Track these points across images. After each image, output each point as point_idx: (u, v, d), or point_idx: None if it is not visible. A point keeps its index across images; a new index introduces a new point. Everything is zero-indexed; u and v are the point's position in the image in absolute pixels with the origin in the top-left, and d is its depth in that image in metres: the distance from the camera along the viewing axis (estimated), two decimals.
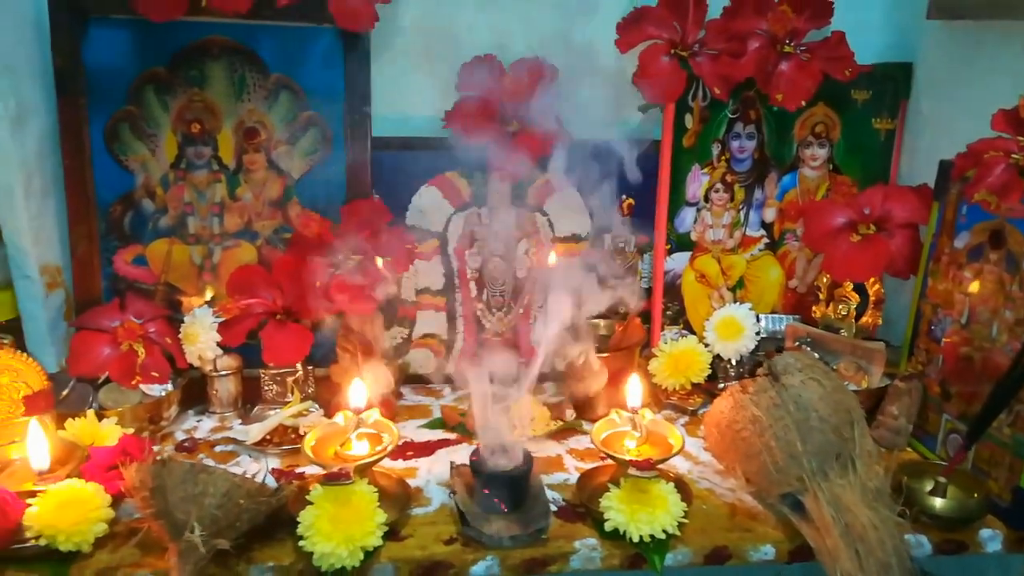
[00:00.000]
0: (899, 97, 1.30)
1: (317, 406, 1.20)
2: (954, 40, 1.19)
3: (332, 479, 0.89)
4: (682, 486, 1.02)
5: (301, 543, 0.88)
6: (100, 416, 1.06)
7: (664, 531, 0.93)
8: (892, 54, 1.30)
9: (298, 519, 0.90)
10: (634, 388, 1.05)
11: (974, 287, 1.06)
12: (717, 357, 1.30)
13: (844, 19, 1.25)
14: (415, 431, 1.20)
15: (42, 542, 0.87)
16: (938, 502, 0.98)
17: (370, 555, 0.89)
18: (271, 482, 0.96)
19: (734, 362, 1.30)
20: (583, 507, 0.99)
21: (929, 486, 0.99)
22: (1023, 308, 0.98)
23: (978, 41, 1.14)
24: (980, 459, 1.04)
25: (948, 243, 1.12)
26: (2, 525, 0.87)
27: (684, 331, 1.36)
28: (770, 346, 1.32)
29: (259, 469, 0.98)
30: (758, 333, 1.30)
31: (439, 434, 1.20)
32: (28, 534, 0.88)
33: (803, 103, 1.25)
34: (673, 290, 1.36)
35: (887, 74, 1.29)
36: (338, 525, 0.88)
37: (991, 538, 0.98)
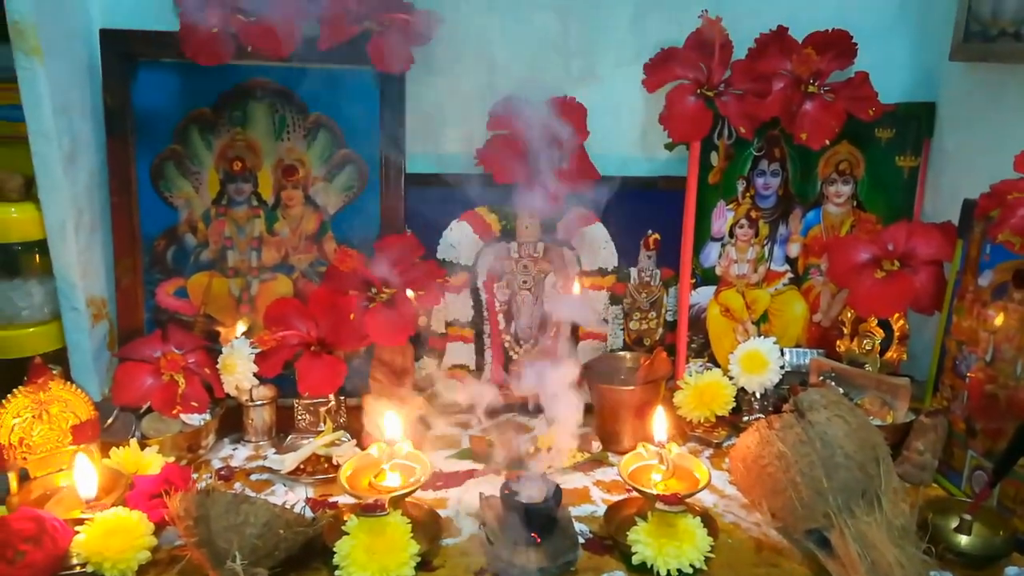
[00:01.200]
0: (922, 135, 1.32)
1: (349, 436, 1.23)
2: (977, 81, 1.22)
3: (368, 511, 0.91)
4: (708, 520, 1.04)
5: (337, 572, 0.91)
6: (143, 445, 1.09)
7: (691, 565, 0.94)
8: (915, 93, 1.32)
9: (333, 548, 0.93)
10: (660, 422, 1.07)
11: (998, 323, 1.07)
12: (742, 390, 1.32)
13: (867, 59, 1.28)
14: (444, 461, 1.23)
15: (89, 568, 0.91)
16: (963, 539, 0.99)
17: None
18: (308, 512, 0.99)
19: (758, 395, 1.31)
20: (611, 539, 1.01)
21: (954, 523, 1.00)
22: None
23: (1001, 83, 1.16)
24: (1006, 496, 1.05)
25: (972, 281, 1.13)
26: (51, 552, 0.91)
27: (709, 364, 1.38)
28: (794, 380, 1.34)
29: (297, 500, 1.01)
30: (782, 367, 1.31)
31: (468, 464, 1.22)
32: (75, 560, 0.92)
33: (827, 142, 1.27)
34: (698, 323, 1.38)
35: (910, 113, 1.31)
36: (373, 556, 0.90)
37: (1017, 575, 0.98)
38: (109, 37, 1.18)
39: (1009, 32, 1.08)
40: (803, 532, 0.98)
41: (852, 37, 1.27)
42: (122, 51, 1.19)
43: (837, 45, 1.27)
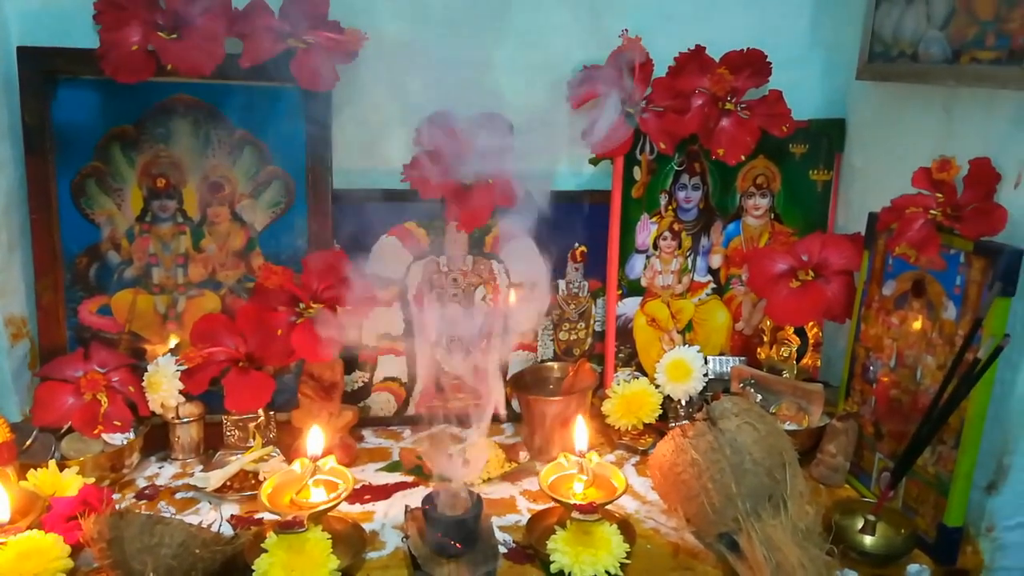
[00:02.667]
0: (834, 151, 1.38)
1: (278, 451, 1.23)
2: (881, 100, 1.27)
3: (286, 527, 0.92)
4: (627, 527, 1.07)
5: None
6: (62, 466, 1.08)
7: (607, 571, 0.97)
8: (827, 110, 1.38)
9: (253, 567, 0.93)
10: (581, 432, 1.10)
11: (915, 327, 1.11)
12: (667, 398, 1.35)
13: (782, 78, 1.32)
14: (373, 474, 1.24)
15: None
16: (867, 539, 1.03)
17: None
18: (228, 530, 0.99)
19: (684, 403, 1.35)
20: (532, 549, 1.03)
21: (859, 524, 1.05)
22: (943, 354, 1.05)
23: (902, 102, 1.21)
24: (909, 497, 1.10)
25: (877, 290, 1.18)
26: None
27: (636, 373, 1.42)
28: (718, 387, 1.38)
29: (216, 518, 1.01)
30: (706, 374, 1.35)
31: (397, 477, 1.23)
32: None
33: (743, 158, 1.32)
34: (626, 333, 1.41)
35: (822, 130, 1.37)
36: (292, 573, 0.91)
37: (918, 573, 1.03)
38: (27, 55, 1.17)
39: (907, 53, 1.14)
40: (715, 536, 1.01)
41: (767, 57, 1.31)
42: (41, 68, 1.17)
43: (752, 64, 1.32)
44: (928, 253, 1.04)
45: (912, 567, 1.03)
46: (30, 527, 0.96)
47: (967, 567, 1.05)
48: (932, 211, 1.06)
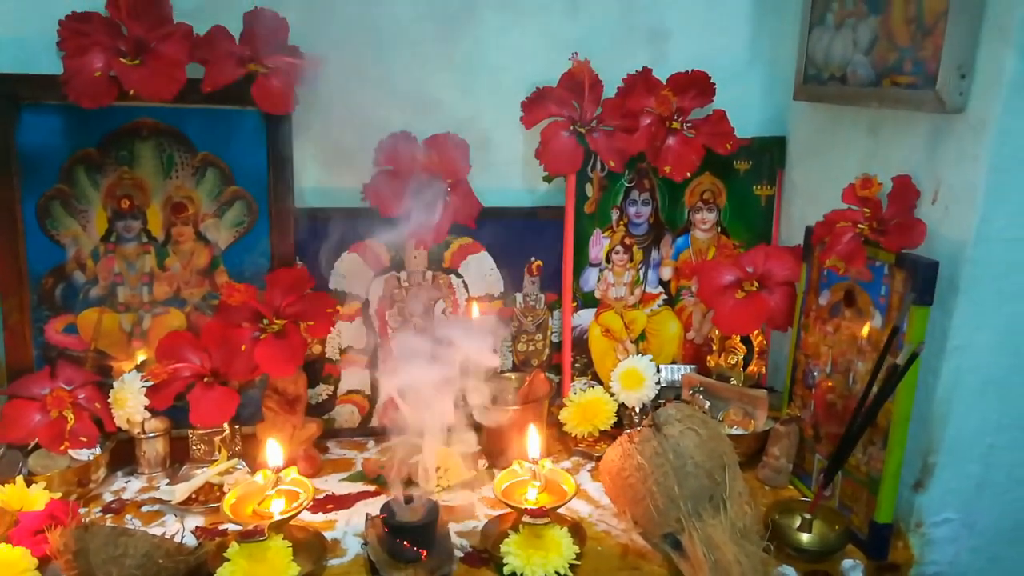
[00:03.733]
0: (776, 167, 1.44)
1: (244, 463, 1.27)
2: (816, 120, 1.34)
3: (247, 537, 0.96)
4: (578, 530, 1.12)
5: None
6: (29, 481, 1.11)
7: (557, 572, 1.02)
8: (768, 129, 1.44)
9: None
10: (533, 440, 1.15)
11: (865, 334, 1.17)
12: (622, 405, 1.41)
13: (725, 98, 1.39)
14: (337, 484, 1.28)
15: None
16: (804, 537, 1.09)
17: None
18: (191, 540, 1.02)
19: (638, 410, 1.41)
20: (487, 552, 1.08)
21: (797, 522, 1.11)
22: (872, 359, 1.11)
23: (835, 122, 1.28)
24: (845, 495, 1.16)
25: (814, 300, 1.25)
26: None
27: (592, 382, 1.47)
28: (670, 394, 1.43)
29: (178, 529, 1.04)
30: (658, 382, 1.41)
31: (360, 486, 1.27)
32: None
33: (688, 175, 1.38)
34: (581, 343, 1.47)
35: (764, 147, 1.43)
36: None
37: (852, 568, 1.09)
38: None
39: (837, 76, 1.21)
40: (660, 536, 1.07)
41: (711, 78, 1.38)
42: (5, 94, 1.20)
43: (697, 85, 1.38)
44: (855, 265, 1.11)
45: (846, 562, 1.09)
46: None
47: (898, 561, 1.11)
48: (860, 225, 1.12)
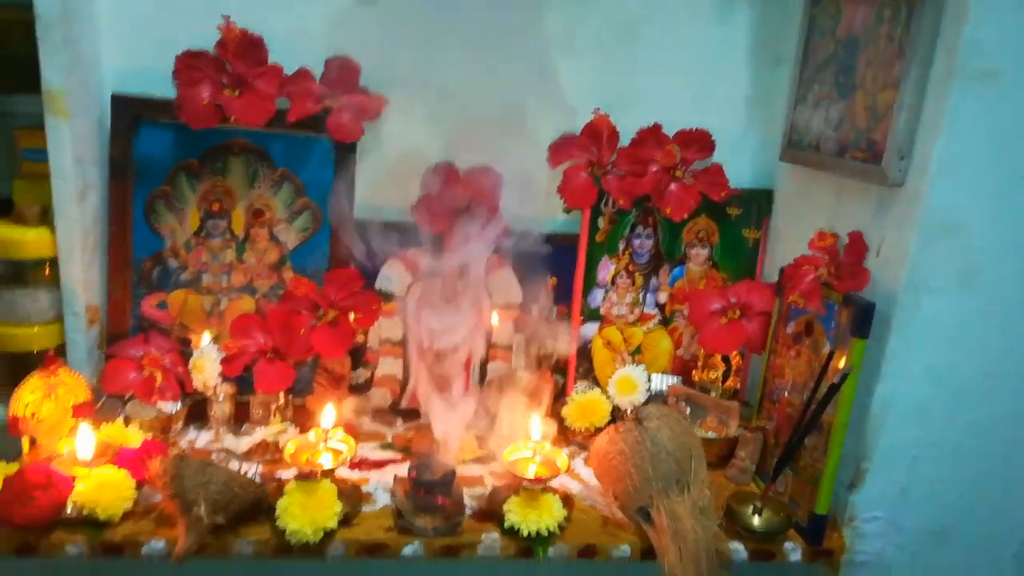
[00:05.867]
0: (763, 215, 1.68)
1: (294, 427, 1.52)
2: (797, 178, 1.58)
3: (303, 476, 1.21)
4: (568, 500, 1.35)
5: (277, 523, 1.19)
6: (127, 423, 1.37)
7: (548, 529, 1.25)
8: (758, 181, 1.68)
9: (275, 506, 1.21)
10: (536, 426, 1.39)
11: (795, 364, 1.41)
12: (616, 407, 1.64)
13: (723, 154, 1.62)
14: (371, 451, 1.52)
15: (84, 512, 1.18)
16: (755, 520, 1.31)
17: (328, 535, 1.20)
18: (258, 479, 1.27)
19: (629, 411, 1.63)
20: (491, 511, 1.32)
21: (750, 509, 1.33)
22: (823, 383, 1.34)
23: (810, 182, 1.52)
24: (795, 491, 1.38)
25: (783, 329, 1.48)
26: (56, 498, 1.17)
27: (592, 385, 1.70)
28: (658, 400, 1.66)
29: (249, 468, 1.29)
30: (648, 390, 1.64)
31: (389, 454, 1.51)
32: (74, 506, 1.19)
33: (686, 216, 1.62)
34: (585, 352, 1.71)
35: (754, 197, 1.67)
36: (305, 511, 1.19)
37: (793, 550, 1.31)
38: (118, 101, 1.47)
39: (812, 145, 1.44)
40: (634, 510, 1.30)
41: (712, 136, 1.62)
42: (128, 113, 1.47)
43: (699, 141, 1.62)
44: (812, 302, 1.34)
45: (788, 544, 1.32)
46: (106, 465, 1.24)
47: (832, 548, 1.33)
48: (820, 269, 1.36)
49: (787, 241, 1.62)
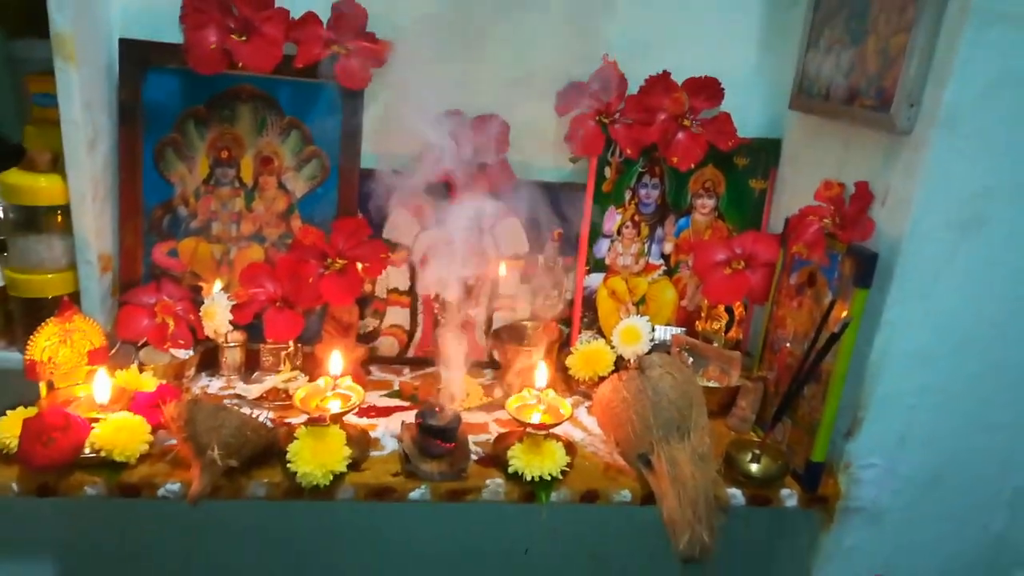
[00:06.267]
0: (770, 165, 1.67)
1: (303, 374, 1.55)
2: (806, 127, 1.56)
3: (313, 421, 1.24)
4: (571, 447, 1.38)
5: (288, 466, 1.23)
6: (141, 369, 1.40)
7: (550, 475, 1.29)
8: (766, 131, 1.66)
9: (287, 450, 1.25)
10: (541, 374, 1.41)
11: (797, 314, 1.43)
12: (620, 357, 1.66)
13: (731, 102, 1.61)
14: (378, 399, 1.56)
15: (101, 454, 1.22)
16: (753, 467, 1.35)
17: (338, 478, 1.24)
18: (269, 424, 1.31)
19: (632, 361, 1.66)
20: (496, 457, 1.35)
21: (748, 456, 1.36)
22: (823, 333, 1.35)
23: (818, 131, 1.51)
24: (793, 440, 1.41)
25: (786, 280, 1.49)
26: (74, 440, 1.21)
27: (596, 335, 1.72)
28: (662, 350, 1.68)
29: (261, 413, 1.33)
30: (652, 340, 1.66)
31: (396, 402, 1.55)
32: (91, 448, 1.23)
33: (693, 166, 1.62)
34: (590, 302, 1.72)
35: (761, 147, 1.66)
36: (316, 454, 1.23)
37: (789, 496, 1.35)
38: (127, 46, 1.47)
39: (822, 93, 1.43)
40: (635, 456, 1.33)
41: (720, 84, 1.60)
42: (136, 58, 1.47)
43: (708, 89, 1.61)
44: (816, 252, 1.35)
45: (784, 491, 1.35)
46: (121, 409, 1.28)
47: (827, 494, 1.37)
48: (825, 220, 1.36)
49: (794, 192, 1.61)
